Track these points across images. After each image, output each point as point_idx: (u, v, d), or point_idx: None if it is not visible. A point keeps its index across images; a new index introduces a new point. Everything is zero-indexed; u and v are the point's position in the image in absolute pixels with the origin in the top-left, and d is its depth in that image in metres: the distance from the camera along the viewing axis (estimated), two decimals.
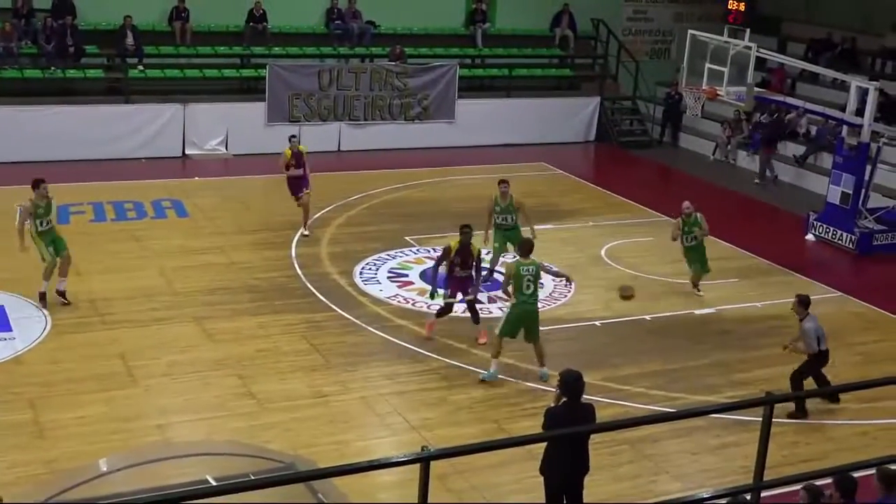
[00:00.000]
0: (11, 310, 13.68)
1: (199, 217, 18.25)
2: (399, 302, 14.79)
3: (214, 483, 7.91)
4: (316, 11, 25.41)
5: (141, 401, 11.61)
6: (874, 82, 18.75)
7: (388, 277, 15.74)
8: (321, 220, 18.28)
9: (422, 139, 24.23)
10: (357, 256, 16.54)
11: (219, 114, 22.80)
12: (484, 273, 15.68)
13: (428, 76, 24.45)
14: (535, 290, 12.25)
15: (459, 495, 9.95)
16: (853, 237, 18.40)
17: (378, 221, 18.51)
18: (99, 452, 10.17)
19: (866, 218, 18.79)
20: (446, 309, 13.45)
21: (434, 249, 14.07)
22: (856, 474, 7.74)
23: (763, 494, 7.33)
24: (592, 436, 9.18)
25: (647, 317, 14.70)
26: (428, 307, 14.13)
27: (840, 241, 18.61)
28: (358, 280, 15.57)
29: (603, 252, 17.44)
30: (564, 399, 8.68)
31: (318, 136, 22.84)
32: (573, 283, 13.64)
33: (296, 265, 16.06)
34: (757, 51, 17.90)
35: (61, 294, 13.98)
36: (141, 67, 22.85)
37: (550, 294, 15.20)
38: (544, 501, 8.86)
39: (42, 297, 13.90)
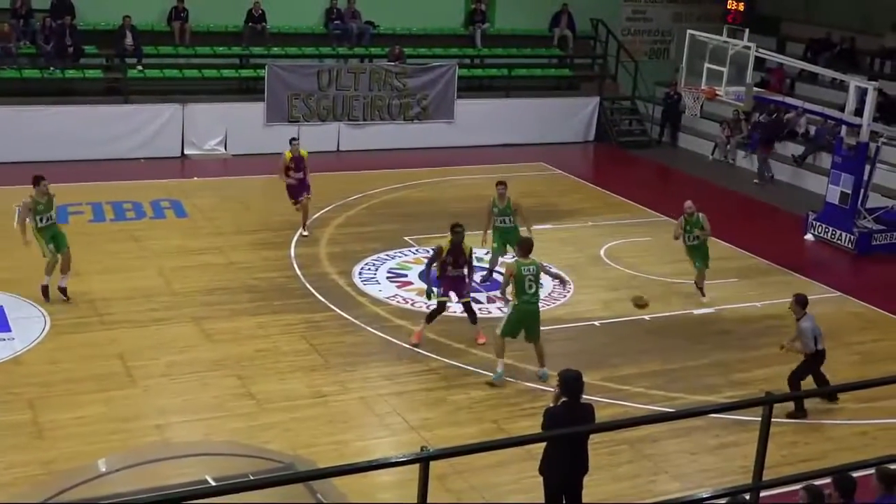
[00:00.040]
0: (10, 310, 13.68)
1: (197, 217, 18.25)
2: (398, 302, 14.79)
3: (214, 483, 7.91)
4: (315, 11, 25.42)
5: (140, 401, 11.61)
6: (873, 82, 18.76)
7: (388, 277, 15.74)
8: (320, 220, 18.28)
9: (421, 139, 24.23)
10: (356, 256, 16.54)
11: (218, 114, 22.80)
12: (483, 273, 15.73)
13: (427, 76, 24.45)
14: (537, 289, 12.25)
15: (459, 495, 9.95)
16: (852, 237, 18.41)
17: (377, 221, 18.51)
18: (98, 453, 10.16)
19: (865, 218, 18.79)
20: (439, 309, 13.34)
21: (433, 249, 14.00)
22: (855, 474, 7.73)
23: (762, 494, 7.33)
24: (592, 436, 9.17)
25: (647, 317, 14.68)
26: (427, 307, 14.09)
27: (839, 241, 18.61)
28: (357, 280, 15.57)
29: (602, 252, 17.44)
30: (564, 399, 8.67)
31: (317, 137, 22.84)
32: (566, 286, 13.58)
33: (295, 265, 16.06)
34: (756, 51, 17.90)
35: (62, 291, 14.04)
36: (140, 67, 22.86)
37: (549, 294, 15.19)
38: (543, 501, 8.85)
39: (44, 291, 13.99)
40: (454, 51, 26.23)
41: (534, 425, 10.07)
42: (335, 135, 23.79)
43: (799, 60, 22.45)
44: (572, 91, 27.22)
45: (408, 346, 13.27)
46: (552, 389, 9.91)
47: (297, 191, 17.20)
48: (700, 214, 15.01)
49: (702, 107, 19.34)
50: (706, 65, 18.33)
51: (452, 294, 13.43)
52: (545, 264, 12.95)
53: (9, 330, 13.14)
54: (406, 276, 15.82)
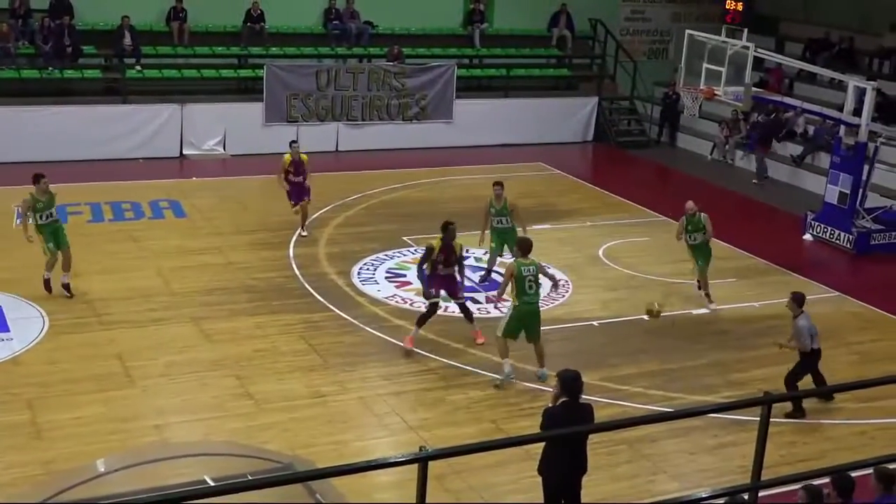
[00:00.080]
0: (9, 310, 13.68)
1: (196, 217, 18.25)
2: (397, 302, 14.79)
3: (212, 483, 7.91)
4: (314, 11, 25.42)
5: (138, 401, 11.61)
6: (872, 82, 18.75)
7: (386, 277, 15.74)
8: (319, 220, 18.28)
9: (420, 139, 24.23)
10: (355, 257, 16.54)
11: (216, 114, 22.80)
12: (482, 273, 15.74)
13: (426, 76, 24.45)
14: (537, 289, 12.23)
15: (457, 495, 9.94)
16: (851, 237, 18.41)
17: (376, 221, 18.51)
18: (96, 453, 10.18)
19: (864, 218, 18.80)
20: (431, 311, 13.18)
21: (425, 248, 13.95)
22: (854, 474, 7.73)
23: (761, 494, 7.32)
24: (591, 436, 9.17)
25: (645, 317, 14.66)
26: (449, 310, 13.99)
27: (838, 241, 18.62)
28: (356, 280, 15.57)
29: (601, 252, 17.44)
30: (563, 399, 8.67)
31: (315, 137, 22.86)
32: (557, 289, 13.52)
33: (294, 265, 16.06)
34: (755, 51, 17.90)
35: (66, 287, 14.15)
36: (138, 68, 22.86)
37: (548, 294, 15.18)
38: (542, 501, 8.85)
39: (46, 284, 14.10)
40: (453, 51, 26.24)
41: (532, 425, 10.08)
42: (334, 135, 23.79)
43: (797, 60, 22.46)
44: (571, 91, 27.22)
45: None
46: (551, 389, 9.91)
47: (298, 194, 17.13)
48: (702, 215, 14.90)
49: (700, 107, 19.34)
50: (705, 65, 18.32)
51: (444, 293, 13.33)
52: (543, 264, 12.94)
53: (7, 330, 13.14)
54: (405, 276, 15.82)
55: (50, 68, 22.04)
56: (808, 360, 11.92)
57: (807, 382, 11.94)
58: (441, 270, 13.15)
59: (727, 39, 18.18)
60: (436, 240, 13.22)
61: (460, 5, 27.03)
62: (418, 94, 24.38)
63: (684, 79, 19.08)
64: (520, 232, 15.01)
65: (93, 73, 22.90)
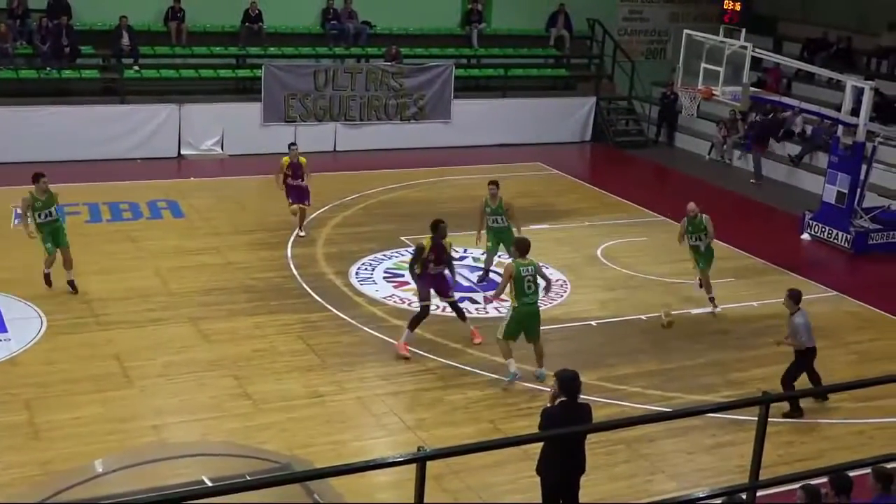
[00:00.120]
0: (7, 311, 13.67)
1: (194, 217, 18.24)
2: (395, 302, 14.78)
3: (210, 483, 7.91)
4: (312, 12, 25.41)
5: (136, 402, 11.60)
6: (870, 82, 18.75)
7: (384, 277, 15.74)
8: (317, 220, 18.27)
9: (418, 139, 24.23)
10: (353, 257, 16.53)
11: (214, 114, 22.79)
12: (480, 273, 15.74)
13: (424, 76, 24.45)
14: (536, 289, 12.20)
15: (455, 495, 9.94)
16: (849, 236, 18.43)
17: (374, 222, 18.50)
18: (94, 453, 10.18)
19: (862, 217, 18.81)
20: (423, 313, 13.04)
21: (415, 248, 13.92)
22: (852, 473, 7.74)
23: (759, 494, 7.32)
24: (589, 435, 9.17)
25: (643, 316, 14.69)
26: (441, 308, 13.95)
27: (836, 241, 18.63)
28: (354, 280, 15.57)
29: (599, 252, 17.44)
30: (561, 399, 8.67)
31: (313, 137, 22.86)
32: (548, 292, 13.51)
33: (292, 265, 16.05)
34: (752, 50, 17.90)
35: (70, 284, 14.27)
36: (136, 68, 22.85)
37: (546, 294, 15.17)
38: (540, 501, 8.85)
39: (47, 279, 14.23)
40: (451, 51, 26.23)
41: (530, 425, 10.08)
42: (332, 135, 23.79)
43: (795, 60, 22.46)
44: (569, 91, 27.21)
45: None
46: (549, 389, 9.91)
47: (298, 195, 17.11)
48: (704, 216, 14.70)
49: (698, 107, 19.33)
50: (703, 65, 18.33)
51: (433, 292, 13.23)
52: (539, 264, 12.92)
53: (5, 331, 13.13)
54: (403, 275, 15.78)
55: (48, 68, 22.03)
56: (804, 358, 11.90)
57: (803, 382, 11.94)
58: (432, 269, 13.09)
59: (725, 39, 18.19)
60: (426, 239, 13.18)
61: (458, 5, 27.02)
62: (416, 94, 24.37)
63: (682, 79, 19.08)
64: (515, 231, 15.02)
65: (91, 73, 22.89)
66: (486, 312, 14.30)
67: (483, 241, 15.42)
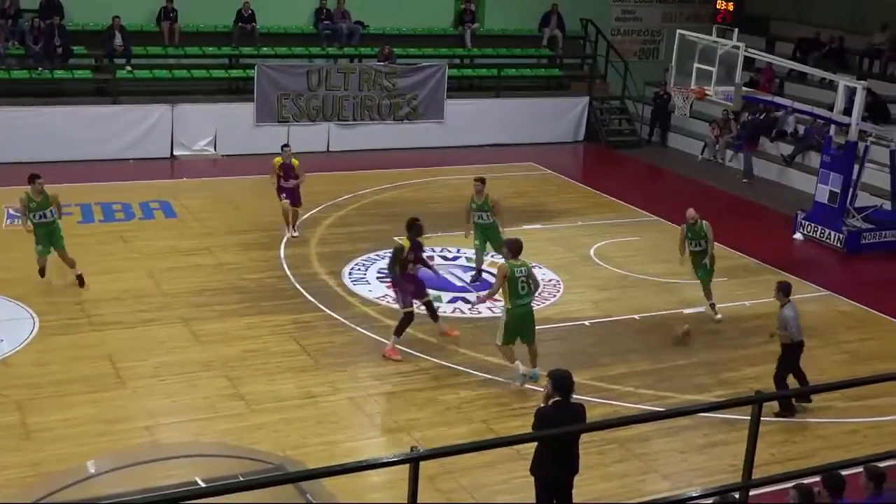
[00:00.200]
0: None
1: (187, 218, 18.21)
2: (388, 302, 14.75)
3: (203, 484, 7.90)
4: (305, 12, 25.38)
5: (129, 402, 11.57)
6: (862, 81, 18.79)
7: (378, 278, 15.72)
8: (310, 220, 18.26)
9: (411, 139, 24.22)
10: (346, 257, 16.52)
11: (207, 114, 22.75)
12: (472, 273, 15.74)
13: (417, 76, 24.44)
14: (529, 290, 12.16)
15: (448, 495, 9.94)
16: (841, 236, 18.46)
17: (367, 222, 18.49)
18: (87, 454, 10.16)
19: (854, 217, 18.86)
20: (407, 319, 12.94)
21: (393, 249, 13.80)
22: (844, 472, 7.75)
23: (751, 493, 7.33)
24: (582, 435, 9.18)
25: (636, 316, 14.71)
26: (418, 307, 14.01)
27: (828, 240, 18.66)
28: (347, 280, 15.55)
29: (592, 252, 17.45)
30: (554, 399, 8.67)
31: (307, 137, 22.85)
32: (537, 293, 13.51)
33: (285, 266, 16.03)
34: (745, 50, 17.94)
35: (78, 279, 14.48)
36: (129, 68, 22.80)
37: (539, 294, 15.17)
38: (534, 501, 8.86)
39: (41, 271, 14.43)
40: (444, 51, 26.22)
41: (523, 425, 10.08)
42: (325, 135, 23.77)
43: (788, 60, 22.49)
44: (562, 91, 27.23)
45: (397, 346, 13.20)
46: (542, 389, 9.91)
47: (291, 196, 17.07)
48: (704, 223, 14.45)
49: (691, 106, 19.37)
50: (695, 65, 18.36)
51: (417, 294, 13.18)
52: (533, 265, 12.91)
53: None
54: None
55: (40, 69, 21.97)
56: (791, 353, 11.87)
57: (793, 382, 11.95)
58: (411, 269, 13.06)
59: (718, 39, 18.22)
60: (404, 239, 13.16)
61: (451, 5, 27.02)
62: (409, 95, 24.36)
63: (675, 78, 19.11)
64: (500, 228, 15.04)
65: (83, 73, 22.84)
66: (479, 312, 14.29)
67: (470, 237, 15.44)
